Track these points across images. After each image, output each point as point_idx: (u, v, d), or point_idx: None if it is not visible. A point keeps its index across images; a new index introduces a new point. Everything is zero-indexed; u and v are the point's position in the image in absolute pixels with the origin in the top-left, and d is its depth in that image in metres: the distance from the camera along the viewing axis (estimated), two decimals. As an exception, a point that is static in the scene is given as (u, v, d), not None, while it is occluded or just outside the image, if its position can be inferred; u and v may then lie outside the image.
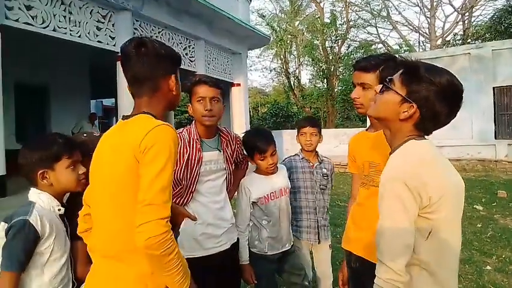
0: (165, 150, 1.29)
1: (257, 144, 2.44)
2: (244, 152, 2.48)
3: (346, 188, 8.27)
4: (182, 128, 2.24)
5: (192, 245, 2.12)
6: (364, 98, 1.81)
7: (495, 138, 12.55)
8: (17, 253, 1.49)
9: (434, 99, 1.30)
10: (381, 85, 1.43)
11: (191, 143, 2.15)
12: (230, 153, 2.32)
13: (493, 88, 12.69)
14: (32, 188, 1.70)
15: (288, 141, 12.79)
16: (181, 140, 2.12)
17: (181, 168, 2.10)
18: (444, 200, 1.26)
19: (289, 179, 2.72)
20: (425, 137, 1.40)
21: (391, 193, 1.26)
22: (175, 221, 2.10)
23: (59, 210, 1.70)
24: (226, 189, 2.35)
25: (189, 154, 2.12)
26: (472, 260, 4.31)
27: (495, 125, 12.65)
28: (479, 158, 12.31)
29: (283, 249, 2.54)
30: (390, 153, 1.40)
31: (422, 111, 1.32)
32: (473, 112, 12.59)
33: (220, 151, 2.27)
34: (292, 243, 2.63)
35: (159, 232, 1.21)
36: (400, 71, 1.39)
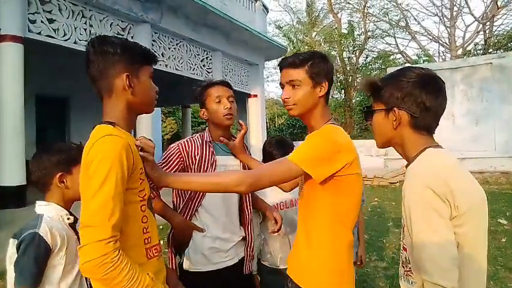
0: (103, 164, 1.22)
1: (277, 152, 2.42)
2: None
3: (378, 201, 8.11)
4: (195, 134, 2.23)
5: (199, 259, 2.07)
6: (295, 97, 1.65)
7: (519, 150, 12.21)
8: (29, 268, 1.45)
9: (410, 92, 1.31)
10: (366, 115, 1.50)
11: (204, 146, 2.12)
12: None
13: (517, 98, 12.39)
14: (37, 201, 1.67)
15: (305, 152, 12.67)
16: (193, 143, 2.11)
17: (193, 171, 2.07)
18: (471, 211, 1.21)
19: None
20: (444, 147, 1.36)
21: (421, 203, 1.20)
22: (183, 237, 2.07)
23: (68, 219, 1.67)
24: (240, 201, 2.26)
25: (200, 156, 2.09)
26: (497, 277, 4.15)
27: (519, 136, 12.31)
28: (503, 170, 11.96)
29: None
30: (406, 166, 1.37)
31: (407, 109, 1.32)
32: (496, 123, 12.32)
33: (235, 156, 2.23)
34: None
35: (96, 256, 1.15)
36: (369, 96, 1.46)
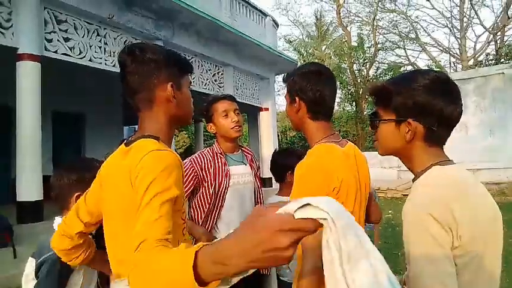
0: (150, 178, 1.09)
1: (282, 160, 2.48)
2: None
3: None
4: (204, 149, 2.29)
5: None
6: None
7: (535, 160, 12.00)
8: None
9: (424, 99, 1.16)
10: (371, 122, 1.37)
11: (216, 158, 2.18)
12: (256, 168, 2.36)
13: (531, 108, 12.24)
14: (56, 218, 1.64)
15: (317, 165, 12.60)
16: (204, 157, 2.16)
17: (210, 185, 2.12)
18: (476, 240, 1.09)
19: None
20: (454, 161, 1.23)
21: (418, 230, 1.08)
22: None
23: None
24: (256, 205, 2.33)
25: (214, 168, 2.15)
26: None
27: (534, 146, 12.12)
28: (519, 181, 11.76)
29: None
30: (413, 180, 1.26)
31: (422, 120, 1.17)
32: (510, 133, 12.15)
33: (246, 165, 2.31)
34: None
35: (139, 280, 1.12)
36: (375, 102, 1.31)
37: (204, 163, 2.14)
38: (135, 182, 1.13)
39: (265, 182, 11.94)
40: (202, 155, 2.19)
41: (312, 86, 1.57)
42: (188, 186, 2.10)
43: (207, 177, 2.13)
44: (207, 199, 2.15)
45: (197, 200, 2.19)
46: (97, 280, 1.65)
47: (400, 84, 1.24)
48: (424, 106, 1.17)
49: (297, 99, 1.60)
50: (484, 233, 1.13)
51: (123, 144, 1.33)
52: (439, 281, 1.03)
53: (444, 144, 1.24)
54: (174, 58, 1.36)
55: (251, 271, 0.67)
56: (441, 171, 1.18)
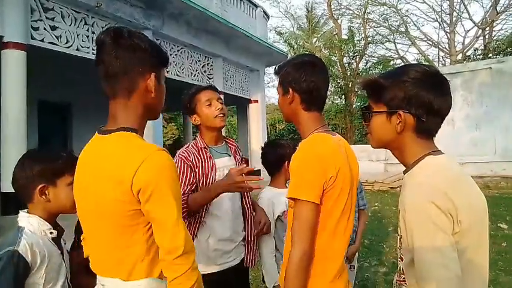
0: (171, 186, 1.16)
1: (271, 152, 2.51)
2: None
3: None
4: (186, 145, 2.25)
5: (204, 261, 2.12)
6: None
7: (519, 154, 12.21)
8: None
9: (414, 92, 1.20)
10: (364, 115, 1.38)
11: (200, 152, 2.17)
12: (239, 160, 2.35)
13: (516, 103, 12.41)
14: (21, 212, 1.51)
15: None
16: (191, 154, 2.14)
17: (198, 180, 2.11)
18: (473, 225, 1.14)
19: None
20: (444, 152, 1.27)
21: (423, 219, 1.11)
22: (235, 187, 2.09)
23: (51, 233, 1.51)
24: (242, 197, 2.33)
25: (200, 163, 2.13)
26: (498, 281, 4.15)
27: (519, 140, 12.32)
28: (503, 175, 11.96)
29: None
30: (404, 172, 1.30)
31: (413, 111, 1.21)
32: (496, 128, 12.33)
33: (231, 156, 2.31)
34: None
35: (196, 277, 1.18)
36: (367, 94, 1.35)
37: (192, 158, 2.12)
38: (145, 187, 1.12)
39: (254, 174, 11.97)
40: (187, 151, 2.16)
41: (306, 77, 1.57)
42: (191, 183, 2.08)
43: (193, 173, 2.12)
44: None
45: None
46: (66, 279, 1.53)
47: (391, 78, 1.27)
48: (414, 98, 1.20)
49: (290, 90, 1.59)
50: (478, 220, 1.18)
51: (97, 134, 1.29)
52: (444, 266, 1.08)
53: (434, 135, 1.28)
54: (157, 49, 1.32)
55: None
56: (435, 160, 1.22)
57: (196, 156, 2.14)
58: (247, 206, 2.33)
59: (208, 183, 2.13)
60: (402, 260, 1.29)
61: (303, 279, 1.41)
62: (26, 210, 1.53)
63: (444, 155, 1.26)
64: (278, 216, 2.40)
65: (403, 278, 1.28)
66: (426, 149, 1.25)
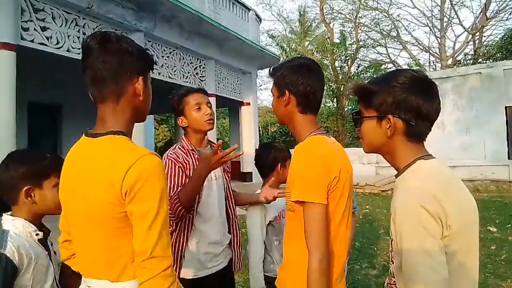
0: (156, 188, 1.14)
1: (264, 154, 2.48)
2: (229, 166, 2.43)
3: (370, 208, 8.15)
4: (173, 147, 2.23)
5: (195, 265, 2.11)
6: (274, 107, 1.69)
7: (508, 158, 12.37)
8: None
9: (402, 96, 1.21)
10: (355, 120, 1.40)
11: (188, 154, 2.15)
12: (225, 165, 2.32)
13: (506, 108, 12.58)
14: (4, 215, 1.49)
15: (297, 161, 12.66)
16: (180, 155, 2.12)
17: (188, 180, 2.09)
18: (463, 230, 1.15)
19: None
20: (435, 156, 1.29)
21: (413, 223, 1.12)
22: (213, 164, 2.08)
23: (37, 235, 1.49)
24: (226, 201, 2.32)
25: (189, 165, 2.11)
26: (486, 284, 4.20)
27: (508, 145, 12.47)
28: (493, 178, 12.11)
29: None
30: (396, 176, 1.31)
31: (402, 116, 1.23)
32: (486, 132, 12.49)
33: None
34: None
35: (167, 285, 1.13)
36: (357, 100, 1.37)
37: (182, 160, 2.11)
38: (131, 188, 1.12)
39: (245, 177, 11.95)
40: (176, 152, 2.13)
41: (303, 79, 1.57)
42: (183, 184, 2.05)
43: (183, 175, 2.10)
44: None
45: None
46: (54, 279, 1.52)
47: (380, 83, 1.28)
48: (402, 102, 1.22)
49: (286, 92, 1.60)
50: (468, 224, 1.20)
51: (84, 136, 1.29)
52: (432, 269, 1.09)
53: (425, 140, 1.29)
54: (144, 52, 1.32)
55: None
56: (426, 165, 1.23)
57: (186, 159, 2.12)
58: (231, 209, 2.32)
59: None
60: (393, 263, 1.29)
61: (326, 281, 1.40)
62: (9, 213, 1.51)
63: (435, 159, 1.27)
64: (270, 221, 2.40)
65: (394, 281, 1.28)
66: (417, 153, 1.26)
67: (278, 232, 2.41)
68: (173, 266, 2.01)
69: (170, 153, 2.14)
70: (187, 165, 2.11)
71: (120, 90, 1.24)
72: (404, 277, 1.16)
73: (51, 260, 1.53)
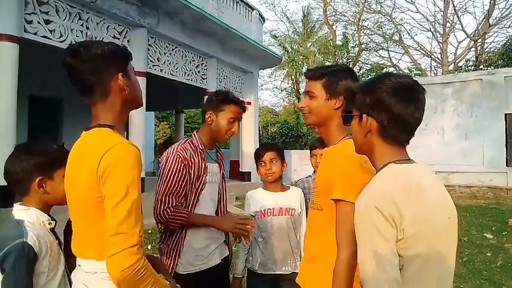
0: (128, 171, 1.24)
1: (257, 150, 2.59)
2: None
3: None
4: (183, 141, 2.24)
5: (192, 260, 2.13)
6: (310, 107, 1.72)
7: (507, 165, 12.39)
8: (24, 280, 1.36)
9: (379, 98, 1.24)
10: (344, 118, 1.47)
11: (196, 152, 2.16)
12: (223, 169, 2.42)
13: (505, 115, 12.60)
14: (15, 205, 1.54)
15: (296, 162, 12.68)
16: (187, 151, 2.13)
17: (190, 181, 2.11)
18: (422, 236, 1.15)
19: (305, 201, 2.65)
20: (414, 160, 1.30)
21: (366, 223, 1.17)
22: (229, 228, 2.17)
23: (50, 224, 1.56)
24: (221, 199, 2.39)
25: (194, 163, 2.13)
26: (482, 290, 4.20)
27: (507, 152, 12.50)
28: (491, 185, 12.13)
29: (278, 272, 2.45)
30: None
31: (375, 116, 1.26)
32: (485, 138, 12.50)
33: (217, 164, 2.34)
34: (293, 270, 2.44)
35: (131, 262, 1.19)
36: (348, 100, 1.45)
37: (189, 157, 2.11)
38: (103, 173, 1.23)
39: (244, 176, 11.95)
40: (184, 149, 2.13)
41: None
42: (183, 182, 2.07)
43: (188, 170, 2.11)
44: (181, 194, 2.12)
45: None
46: (64, 266, 1.59)
47: (366, 84, 1.35)
48: (377, 103, 1.26)
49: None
50: (435, 230, 1.19)
51: (83, 132, 1.41)
52: (383, 270, 1.12)
53: (405, 144, 1.31)
54: (116, 48, 1.42)
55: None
56: (395, 168, 1.25)
57: (193, 156, 2.14)
58: (223, 201, 2.39)
59: (199, 184, 2.15)
60: None
61: (352, 276, 1.44)
62: (19, 202, 1.56)
63: (413, 164, 1.28)
64: (251, 215, 2.44)
65: None
66: (393, 156, 1.27)
67: (260, 228, 2.47)
68: (169, 260, 2.06)
69: (180, 148, 2.13)
70: (193, 164, 2.12)
71: (106, 91, 1.37)
72: (360, 275, 1.20)
73: (60, 249, 1.60)
